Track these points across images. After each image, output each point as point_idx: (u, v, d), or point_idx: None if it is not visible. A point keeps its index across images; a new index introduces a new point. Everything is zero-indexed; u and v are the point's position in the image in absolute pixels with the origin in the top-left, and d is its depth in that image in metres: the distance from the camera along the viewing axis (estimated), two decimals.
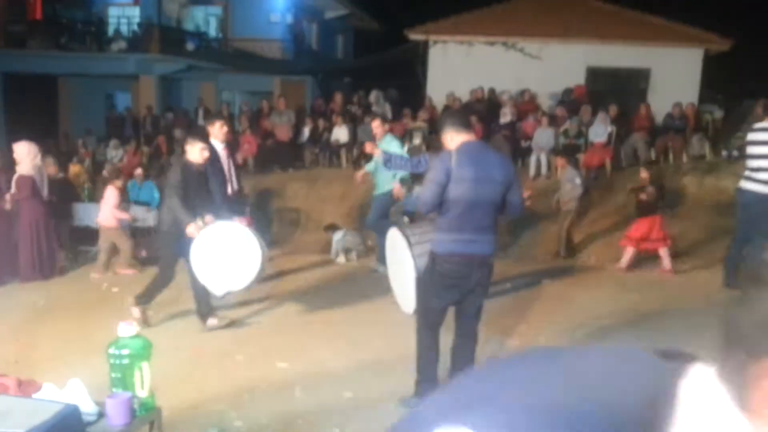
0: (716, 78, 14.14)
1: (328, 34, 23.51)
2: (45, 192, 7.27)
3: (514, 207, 3.66)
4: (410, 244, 4.34)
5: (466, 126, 3.65)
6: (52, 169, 8.35)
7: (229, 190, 5.87)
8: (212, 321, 5.20)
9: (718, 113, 12.86)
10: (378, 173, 6.96)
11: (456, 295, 3.61)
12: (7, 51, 16.27)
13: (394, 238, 4.79)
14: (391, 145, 6.77)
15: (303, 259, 7.88)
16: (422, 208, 3.77)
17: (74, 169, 9.53)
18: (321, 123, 12.71)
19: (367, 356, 4.61)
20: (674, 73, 13.30)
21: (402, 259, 4.50)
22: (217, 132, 5.78)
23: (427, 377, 3.70)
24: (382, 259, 6.68)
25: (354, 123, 12.58)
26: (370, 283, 6.54)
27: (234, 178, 6.04)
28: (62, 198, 8.17)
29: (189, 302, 5.88)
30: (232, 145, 7.08)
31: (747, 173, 6.03)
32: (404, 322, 4.90)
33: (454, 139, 3.58)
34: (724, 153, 10.58)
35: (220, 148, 5.80)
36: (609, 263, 7.61)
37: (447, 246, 3.53)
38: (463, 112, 3.89)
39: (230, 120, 14.12)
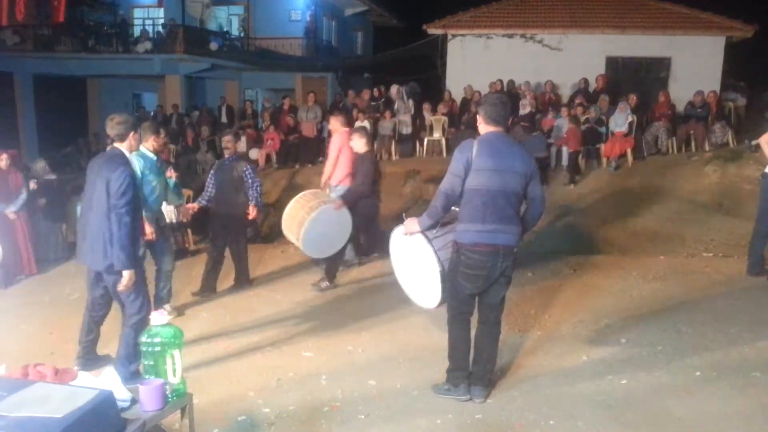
0: (739, 65, 13.81)
1: (348, 30, 23.60)
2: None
3: (535, 202, 3.65)
4: (429, 239, 4.16)
5: (496, 120, 3.57)
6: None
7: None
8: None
9: (741, 101, 12.61)
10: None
11: (481, 284, 3.62)
12: (36, 54, 16.67)
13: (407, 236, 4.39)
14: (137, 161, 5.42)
15: None
16: (441, 200, 3.64)
17: None
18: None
19: (389, 346, 4.70)
20: (695, 62, 13.07)
21: (418, 256, 4.25)
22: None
23: (458, 366, 3.75)
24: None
25: (376, 117, 12.68)
26: (392, 277, 6.58)
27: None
28: (54, 199, 8.11)
29: (217, 297, 6.08)
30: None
31: None
32: (426, 314, 4.97)
33: (482, 128, 3.63)
34: (752, 143, 10.37)
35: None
36: (630, 252, 7.58)
37: (472, 236, 3.53)
38: (502, 105, 3.67)
39: (254, 117, 14.34)
